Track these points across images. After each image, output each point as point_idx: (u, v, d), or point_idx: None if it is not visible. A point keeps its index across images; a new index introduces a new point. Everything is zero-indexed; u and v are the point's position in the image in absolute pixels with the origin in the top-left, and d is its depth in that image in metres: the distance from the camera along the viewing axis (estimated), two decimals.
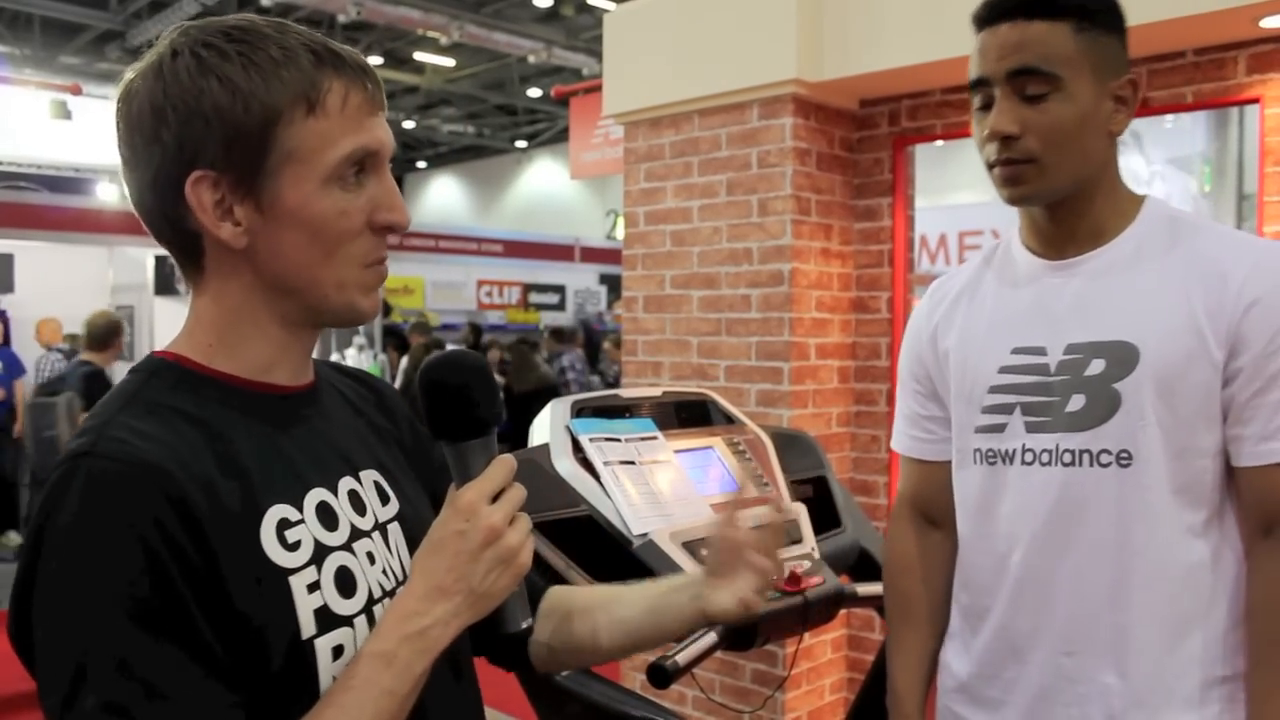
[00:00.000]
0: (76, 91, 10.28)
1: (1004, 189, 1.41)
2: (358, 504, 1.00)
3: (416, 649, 0.90)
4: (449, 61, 16.65)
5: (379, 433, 1.12)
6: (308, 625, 0.89)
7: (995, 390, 1.47)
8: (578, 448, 1.98)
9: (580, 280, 16.49)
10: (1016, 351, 1.46)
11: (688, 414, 2.35)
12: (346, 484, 1.00)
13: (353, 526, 0.98)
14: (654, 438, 2.13)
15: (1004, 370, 1.46)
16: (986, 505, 1.49)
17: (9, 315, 9.49)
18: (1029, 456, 1.43)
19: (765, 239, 3.46)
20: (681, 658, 1.67)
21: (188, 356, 0.95)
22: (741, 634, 1.79)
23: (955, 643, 1.57)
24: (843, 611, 3.49)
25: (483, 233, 16.01)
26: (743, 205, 3.52)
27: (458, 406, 0.98)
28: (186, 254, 0.95)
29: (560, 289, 16.40)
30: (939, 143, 3.61)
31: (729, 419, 2.36)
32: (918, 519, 1.67)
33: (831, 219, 3.57)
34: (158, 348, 0.99)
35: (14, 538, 8.11)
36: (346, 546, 0.96)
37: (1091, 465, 1.38)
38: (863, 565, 2.25)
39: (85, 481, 0.82)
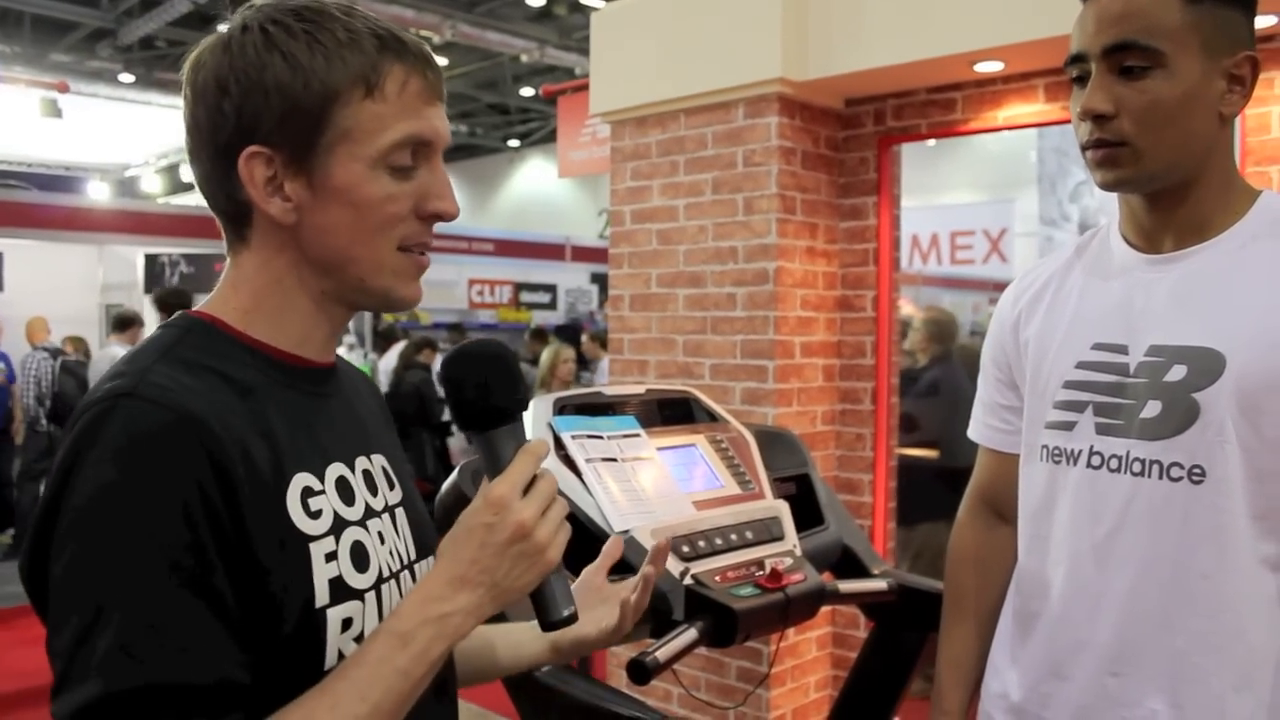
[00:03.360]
0: (64, 89, 10.24)
1: (1096, 173, 1.30)
2: (370, 484, 1.02)
3: (435, 633, 0.89)
4: (442, 60, 16.61)
5: (382, 422, 1.15)
6: (322, 594, 0.90)
7: (1069, 386, 1.39)
8: (560, 445, 1.99)
9: (572, 279, 16.47)
10: (1097, 348, 1.37)
11: (671, 412, 2.36)
12: (361, 463, 1.02)
13: (366, 504, 0.99)
14: (637, 435, 2.13)
15: (1081, 366, 1.38)
16: (1046, 505, 1.42)
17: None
18: (1096, 460, 1.34)
19: (750, 237, 3.47)
20: (661, 654, 1.67)
21: (222, 319, 0.96)
22: (721, 630, 1.80)
23: (1004, 647, 1.51)
24: (827, 609, 3.51)
25: (474, 232, 15.98)
26: (728, 204, 3.53)
27: (476, 396, 0.98)
28: (234, 222, 0.97)
29: (552, 288, 16.38)
30: (930, 143, 3.61)
31: (712, 416, 2.37)
32: (986, 512, 1.62)
33: (817, 218, 3.58)
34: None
35: (6, 538, 8.10)
36: (361, 523, 0.97)
37: (1161, 478, 1.28)
38: (846, 563, 2.25)
39: (126, 422, 0.82)
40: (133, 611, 0.78)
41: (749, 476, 2.20)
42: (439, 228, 1.01)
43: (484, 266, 15.39)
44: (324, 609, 0.90)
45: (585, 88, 4.50)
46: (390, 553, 1.00)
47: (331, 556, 0.92)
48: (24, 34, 14.51)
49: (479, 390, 0.98)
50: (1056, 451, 1.40)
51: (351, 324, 11.02)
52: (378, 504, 1.02)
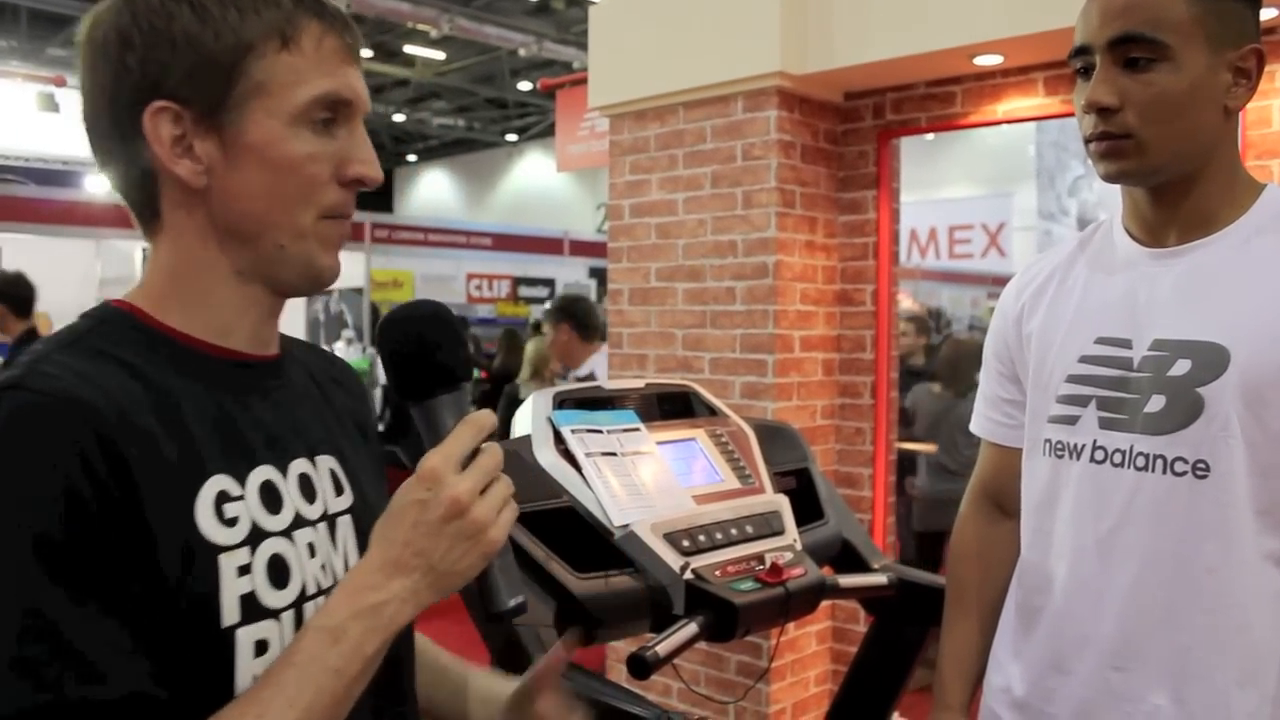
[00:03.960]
0: (61, 83, 10.22)
1: (1100, 165, 1.29)
2: (308, 489, 0.93)
3: (368, 626, 0.80)
4: (439, 55, 16.60)
5: (343, 418, 1.05)
6: (231, 611, 0.81)
7: (1072, 380, 1.38)
8: (559, 439, 1.98)
9: (570, 274, 16.46)
10: (1100, 342, 1.36)
11: (670, 406, 2.36)
12: (299, 466, 0.93)
13: (297, 513, 0.90)
14: (636, 429, 2.13)
15: (1084, 360, 1.37)
16: (1049, 500, 1.41)
17: None
18: (1099, 455, 1.34)
19: (750, 231, 3.47)
20: (661, 648, 1.67)
21: (141, 308, 0.89)
22: (721, 625, 1.79)
23: (1007, 641, 1.50)
24: (827, 604, 3.51)
25: (472, 226, 15.97)
26: (727, 198, 3.52)
27: (413, 357, 0.90)
28: (142, 195, 0.90)
29: (550, 282, 16.36)
30: (929, 137, 3.61)
31: (712, 411, 2.36)
32: (989, 507, 1.62)
33: (816, 212, 3.58)
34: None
35: None
36: (286, 533, 0.88)
37: (1165, 472, 1.27)
38: (845, 557, 2.25)
39: (7, 414, 0.75)
40: (21, 625, 0.71)
41: (749, 471, 2.19)
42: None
43: (482, 261, 15.37)
44: (233, 629, 0.81)
45: (583, 81, 4.49)
46: (322, 566, 0.91)
47: (245, 570, 0.83)
48: (20, 28, 14.47)
49: (419, 348, 0.90)
50: (1060, 446, 1.40)
51: (350, 318, 10.99)
52: (313, 512, 0.92)
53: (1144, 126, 1.25)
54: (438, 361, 0.90)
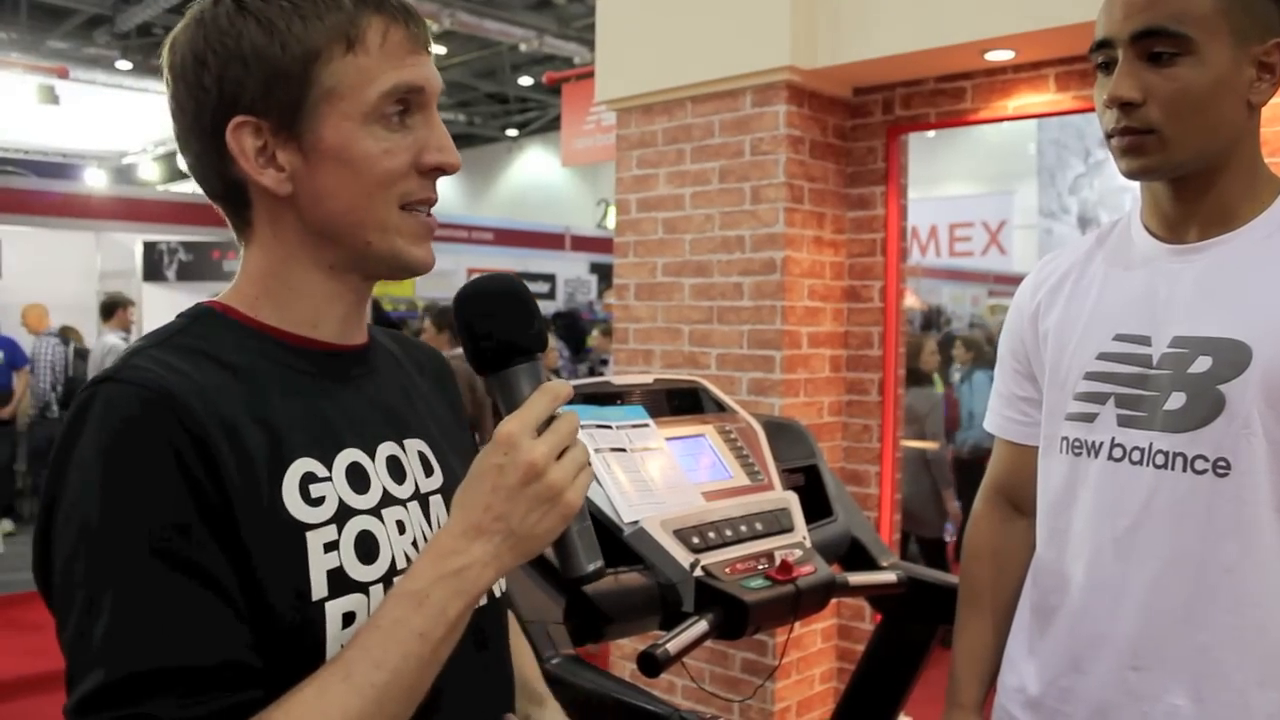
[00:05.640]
0: (63, 74, 10.20)
1: (1121, 160, 1.29)
2: (396, 470, 0.98)
3: (452, 589, 0.83)
4: (440, 49, 16.56)
5: (431, 403, 1.10)
6: (319, 586, 0.86)
7: (1090, 377, 1.37)
8: None
9: (571, 269, 16.45)
10: (1119, 339, 1.35)
11: (679, 402, 2.34)
12: (387, 449, 0.98)
13: (385, 492, 0.95)
14: (645, 425, 2.11)
15: (1102, 357, 1.36)
16: (1066, 498, 1.40)
17: None
18: (1117, 452, 1.33)
19: (758, 226, 3.45)
20: (672, 646, 1.65)
21: (232, 306, 0.95)
22: (732, 623, 1.78)
23: (1021, 641, 1.49)
24: (833, 601, 3.50)
25: (473, 221, 15.95)
26: (735, 193, 3.51)
27: (488, 332, 0.93)
28: (234, 205, 0.95)
29: (550, 278, 16.35)
30: (931, 134, 3.62)
31: (720, 407, 2.35)
32: (1003, 505, 1.61)
33: (824, 207, 3.56)
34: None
35: (7, 525, 8.09)
36: (374, 511, 0.93)
37: (1185, 470, 1.26)
38: (854, 554, 2.24)
39: (104, 406, 0.81)
40: (121, 598, 0.77)
41: (758, 467, 2.18)
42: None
43: (483, 256, 15.35)
44: (322, 602, 0.86)
45: (589, 75, 4.48)
46: (413, 542, 0.96)
47: (331, 546, 0.88)
48: (20, 20, 14.43)
49: (491, 326, 0.93)
50: (1077, 443, 1.39)
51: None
52: (402, 491, 0.97)
53: (1167, 122, 1.24)
54: (508, 341, 0.93)
